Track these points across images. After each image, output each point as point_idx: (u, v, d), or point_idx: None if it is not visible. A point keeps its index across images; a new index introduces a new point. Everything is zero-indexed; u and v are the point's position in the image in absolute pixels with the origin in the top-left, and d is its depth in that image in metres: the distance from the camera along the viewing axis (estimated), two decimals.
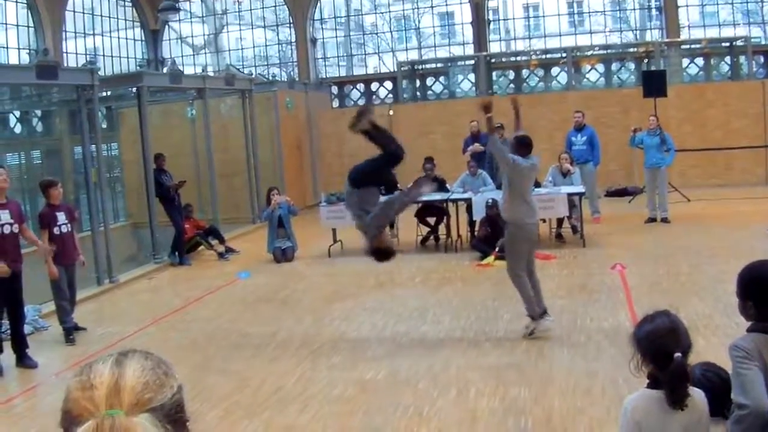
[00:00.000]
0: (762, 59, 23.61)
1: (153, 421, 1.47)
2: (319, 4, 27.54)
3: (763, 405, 3.62)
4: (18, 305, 9.73)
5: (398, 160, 9.78)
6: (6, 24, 23.05)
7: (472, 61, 25.62)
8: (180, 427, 1.54)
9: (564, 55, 24.42)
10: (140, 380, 1.53)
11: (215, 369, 8.89)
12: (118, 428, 1.43)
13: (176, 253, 15.87)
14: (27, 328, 11.06)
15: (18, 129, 20.53)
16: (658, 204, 16.15)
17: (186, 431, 1.57)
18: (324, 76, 27.78)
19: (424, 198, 15.42)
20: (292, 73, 26.79)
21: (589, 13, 26.16)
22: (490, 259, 13.64)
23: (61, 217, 10.62)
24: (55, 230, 10.53)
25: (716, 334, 8.41)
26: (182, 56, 28.33)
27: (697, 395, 3.62)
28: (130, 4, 27.68)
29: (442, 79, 26.22)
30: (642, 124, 17.30)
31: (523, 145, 9.36)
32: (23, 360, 9.63)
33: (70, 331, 10.67)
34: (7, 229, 9.45)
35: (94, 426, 1.44)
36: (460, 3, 26.19)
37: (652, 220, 16.10)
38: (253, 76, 22.31)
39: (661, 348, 3.54)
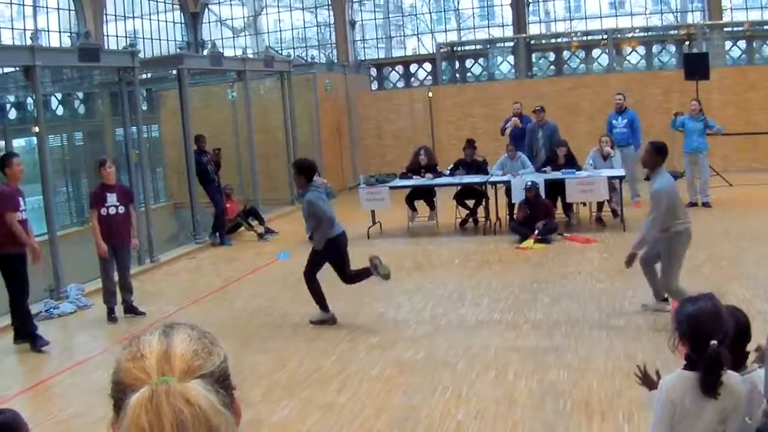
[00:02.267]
0: None
1: (205, 386, 1.51)
2: None
3: None
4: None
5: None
6: (47, 7, 23.26)
7: (512, 43, 25.51)
8: (229, 394, 1.58)
9: (605, 37, 24.24)
10: (189, 348, 1.57)
11: (255, 348, 8.98)
12: (173, 393, 1.46)
13: (217, 234, 16.00)
14: (70, 307, 11.26)
15: (60, 111, 20.74)
16: (700, 188, 16.00)
17: (233, 398, 1.60)
18: (363, 58, 27.76)
19: (464, 180, 15.47)
20: (330, 55, 26.81)
21: None
22: (530, 242, 13.62)
23: (112, 198, 10.61)
24: (103, 211, 10.55)
25: (756, 320, 8.29)
26: (222, 39, 28.45)
27: (733, 380, 3.60)
28: None
29: (481, 61, 26.14)
30: (683, 107, 17.15)
31: (662, 153, 8.85)
32: (35, 339, 9.72)
33: (113, 310, 10.78)
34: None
35: (149, 392, 1.46)
36: None
37: (693, 204, 15.93)
38: (292, 58, 22.36)
39: (699, 331, 3.53)
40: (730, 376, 3.57)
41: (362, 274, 9.95)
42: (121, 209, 10.69)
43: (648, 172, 8.94)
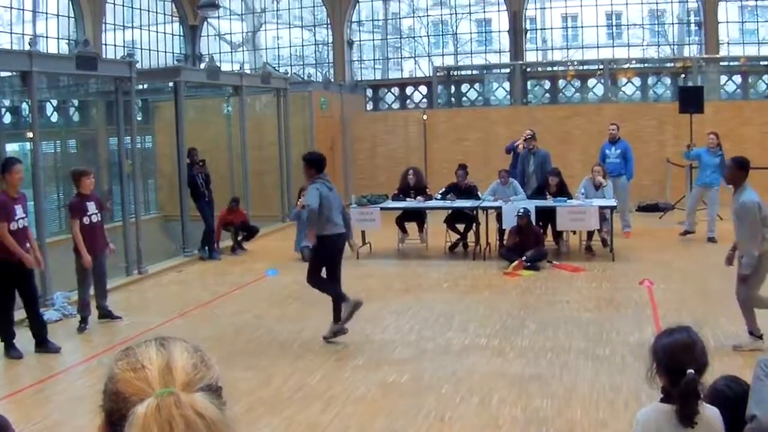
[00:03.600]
0: None
1: (210, 399, 1.51)
2: (357, 6, 27.61)
3: None
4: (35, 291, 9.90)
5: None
6: (47, 13, 23.27)
7: (508, 70, 25.59)
8: (223, 408, 1.58)
9: (601, 66, 24.36)
10: (189, 361, 1.58)
11: (240, 364, 8.93)
12: (183, 405, 1.46)
13: (206, 248, 15.98)
14: (55, 315, 11.22)
15: (54, 118, 20.72)
16: (707, 223, 15.76)
17: (226, 412, 1.60)
18: (359, 79, 27.84)
19: (455, 204, 15.49)
20: (327, 74, 26.87)
21: (627, 25, 26.03)
22: (515, 264, 13.64)
23: (91, 206, 10.71)
24: (85, 220, 10.61)
25: (742, 355, 8.37)
26: (220, 53, 28.48)
27: (710, 413, 3.60)
28: None
29: (477, 86, 26.20)
30: (680, 139, 17.23)
31: (744, 168, 8.82)
32: (46, 345, 9.75)
33: (85, 320, 10.81)
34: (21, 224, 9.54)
35: (155, 403, 1.46)
36: (498, 10, 26.19)
37: (688, 232, 15.90)
38: (289, 75, 22.39)
39: (675, 362, 3.54)
40: (707, 409, 3.57)
41: (339, 296, 9.90)
42: (99, 217, 10.83)
43: (732, 188, 8.93)
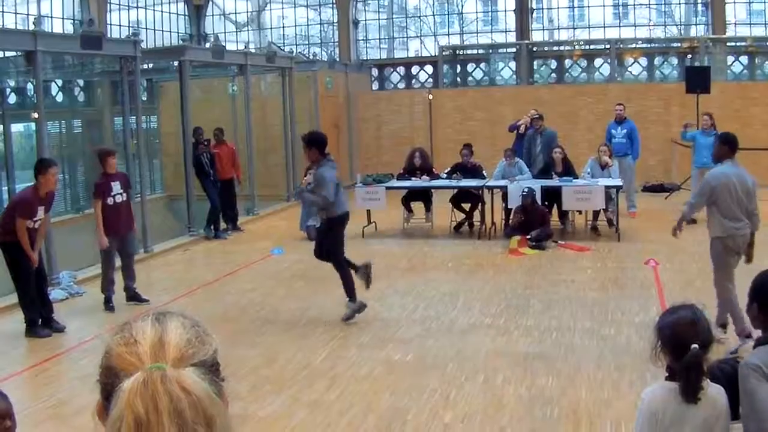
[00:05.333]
0: None
1: (199, 374, 1.50)
2: None
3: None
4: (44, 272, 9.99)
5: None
6: None
7: (514, 49, 25.49)
8: (219, 385, 1.57)
9: (607, 46, 24.26)
10: (183, 336, 1.56)
11: (246, 342, 8.96)
12: (169, 380, 1.45)
13: (211, 227, 15.98)
14: (61, 294, 11.24)
15: (60, 98, 20.71)
16: None
17: (222, 389, 1.59)
18: (365, 58, 27.75)
19: (461, 184, 15.47)
20: (332, 53, 26.80)
21: (634, 5, 25.88)
22: (518, 239, 13.64)
23: (116, 186, 10.62)
24: (109, 200, 10.52)
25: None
26: (224, 32, 28.41)
27: (715, 391, 3.60)
28: None
29: (482, 65, 26.12)
30: (683, 120, 17.18)
31: (728, 143, 8.64)
32: (51, 324, 9.80)
33: (110, 299, 10.77)
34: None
35: (143, 378, 1.46)
36: None
37: (693, 221, 15.78)
38: (294, 54, 22.33)
39: (680, 339, 3.53)
40: (712, 387, 3.57)
41: (348, 266, 9.92)
42: (124, 197, 10.74)
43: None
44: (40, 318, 9.69)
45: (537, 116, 16.44)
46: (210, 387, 1.50)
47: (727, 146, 8.60)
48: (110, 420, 1.46)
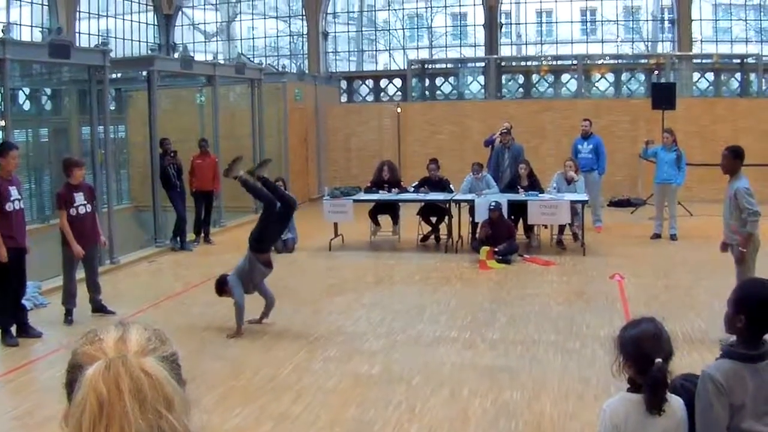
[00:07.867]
0: None
1: (159, 361, 1.56)
2: None
3: None
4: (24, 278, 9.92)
5: (286, 212, 10.01)
6: (21, 1, 23.08)
7: (483, 64, 25.64)
8: (180, 383, 1.62)
9: (575, 62, 24.45)
10: (144, 335, 1.65)
11: (212, 354, 8.94)
12: (130, 363, 1.51)
13: (178, 239, 15.91)
14: (27, 304, 11.10)
15: (27, 106, 20.56)
16: (669, 221, 15.79)
17: (184, 390, 1.63)
18: (334, 70, 27.78)
19: (428, 197, 15.52)
20: (302, 65, 26.81)
21: (601, 21, 26.16)
22: (487, 250, 13.69)
23: (80, 197, 10.46)
24: (72, 211, 10.39)
25: (711, 350, 8.42)
26: (194, 43, 28.36)
27: (675, 402, 3.66)
28: None
29: (451, 79, 26.22)
30: (649, 135, 17.35)
31: (739, 156, 9.21)
32: (27, 330, 9.74)
33: (71, 312, 10.66)
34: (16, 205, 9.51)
35: (105, 363, 1.52)
36: (474, 4, 26.26)
37: (657, 236, 15.86)
38: (263, 66, 22.33)
39: (643, 352, 3.59)
40: (672, 398, 3.64)
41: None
42: (89, 208, 10.59)
43: (729, 177, 9.25)
44: (13, 325, 9.62)
45: (506, 131, 16.51)
46: (170, 375, 1.57)
47: (739, 159, 9.13)
48: (73, 404, 1.51)
